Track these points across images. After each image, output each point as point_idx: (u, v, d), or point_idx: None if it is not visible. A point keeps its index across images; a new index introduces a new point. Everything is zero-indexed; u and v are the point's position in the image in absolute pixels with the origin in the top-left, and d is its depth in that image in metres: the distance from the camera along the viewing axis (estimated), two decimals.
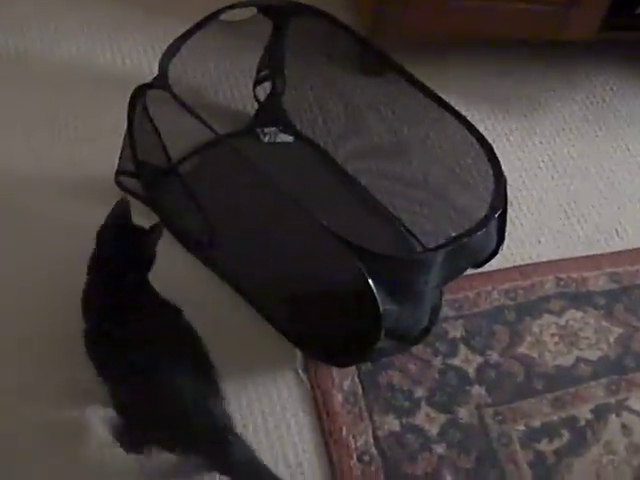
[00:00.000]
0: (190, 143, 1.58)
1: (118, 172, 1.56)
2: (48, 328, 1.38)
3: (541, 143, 1.83)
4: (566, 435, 1.42)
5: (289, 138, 1.71)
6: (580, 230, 1.70)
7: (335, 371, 1.42)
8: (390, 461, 1.35)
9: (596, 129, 1.87)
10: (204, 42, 1.44)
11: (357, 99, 1.60)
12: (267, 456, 1.33)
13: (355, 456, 1.34)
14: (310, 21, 1.50)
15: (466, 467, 1.37)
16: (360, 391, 1.41)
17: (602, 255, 1.67)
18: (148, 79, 1.39)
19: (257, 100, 1.70)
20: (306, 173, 1.64)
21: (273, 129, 1.71)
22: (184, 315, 1.27)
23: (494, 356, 1.49)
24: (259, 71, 1.66)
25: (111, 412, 1.24)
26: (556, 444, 1.41)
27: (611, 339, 1.55)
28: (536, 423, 1.43)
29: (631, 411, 1.47)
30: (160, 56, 1.40)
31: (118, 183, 1.57)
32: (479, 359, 1.49)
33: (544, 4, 1.72)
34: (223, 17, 1.46)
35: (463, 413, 1.42)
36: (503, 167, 1.34)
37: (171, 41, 1.41)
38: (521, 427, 1.42)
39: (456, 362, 1.48)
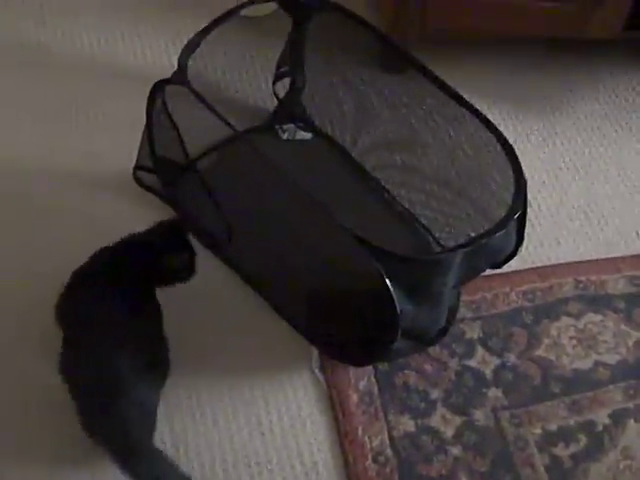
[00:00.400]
0: (208, 139, 1.57)
1: (136, 167, 1.56)
2: None
3: (562, 143, 1.81)
4: (583, 440, 1.41)
5: (308, 135, 1.70)
6: (600, 232, 1.68)
7: (351, 371, 1.42)
8: (405, 462, 1.34)
9: (618, 129, 1.85)
10: (224, 37, 1.44)
11: (377, 96, 1.59)
12: (282, 455, 1.33)
13: (370, 457, 1.34)
14: (330, 17, 1.50)
15: (481, 470, 1.36)
16: (376, 391, 1.41)
17: (622, 258, 1.64)
18: (168, 73, 1.38)
19: (276, 96, 1.69)
20: (324, 170, 1.63)
21: (292, 126, 1.70)
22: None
23: (511, 358, 1.48)
24: (279, 67, 1.65)
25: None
26: (573, 448, 1.39)
27: (630, 343, 1.53)
28: (553, 427, 1.42)
29: None
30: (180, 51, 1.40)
31: (136, 179, 1.57)
32: (496, 361, 1.48)
33: (569, 2, 1.71)
34: (243, 12, 1.46)
35: (479, 415, 1.41)
36: (523, 167, 1.33)
37: (191, 36, 1.41)
38: (537, 430, 1.41)
39: (473, 364, 1.47)
